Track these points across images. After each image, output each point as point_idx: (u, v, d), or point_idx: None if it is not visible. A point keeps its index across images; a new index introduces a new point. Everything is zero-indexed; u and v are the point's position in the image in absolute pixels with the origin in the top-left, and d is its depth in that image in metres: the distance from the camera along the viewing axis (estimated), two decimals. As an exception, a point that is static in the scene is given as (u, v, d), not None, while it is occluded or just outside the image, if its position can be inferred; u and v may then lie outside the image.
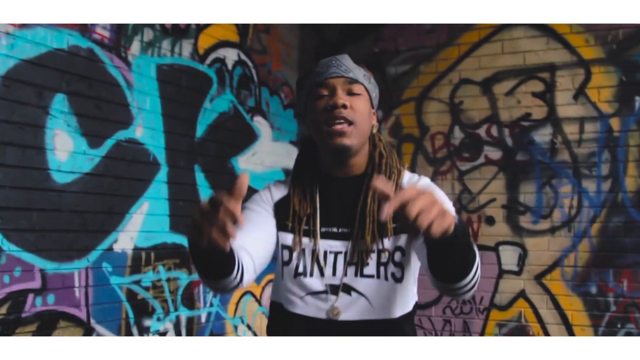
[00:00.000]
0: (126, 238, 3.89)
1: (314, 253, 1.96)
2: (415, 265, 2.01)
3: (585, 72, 4.67)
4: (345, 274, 1.94)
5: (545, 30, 4.78)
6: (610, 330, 4.50)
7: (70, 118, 3.54)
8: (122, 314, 3.87)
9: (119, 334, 3.84)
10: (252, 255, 1.90)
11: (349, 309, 1.94)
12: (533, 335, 4.71)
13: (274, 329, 2.09)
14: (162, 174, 4.14)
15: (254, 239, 1.94)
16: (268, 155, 5.05)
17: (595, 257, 4.58)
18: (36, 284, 3.35)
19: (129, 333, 3.90)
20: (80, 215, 3.60)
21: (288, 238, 2.00)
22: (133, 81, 3.94)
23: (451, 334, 4.91)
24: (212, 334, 4.50)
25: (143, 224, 4.00)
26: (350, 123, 1.90)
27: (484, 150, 4.93)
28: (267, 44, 5.12)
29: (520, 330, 4.76)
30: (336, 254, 1.96)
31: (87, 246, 3.64)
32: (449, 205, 1.90)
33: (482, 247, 4.85)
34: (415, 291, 2.05)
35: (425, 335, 5.01)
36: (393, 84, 5.20)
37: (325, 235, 1.97)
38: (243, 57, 4.85)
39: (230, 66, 4.72)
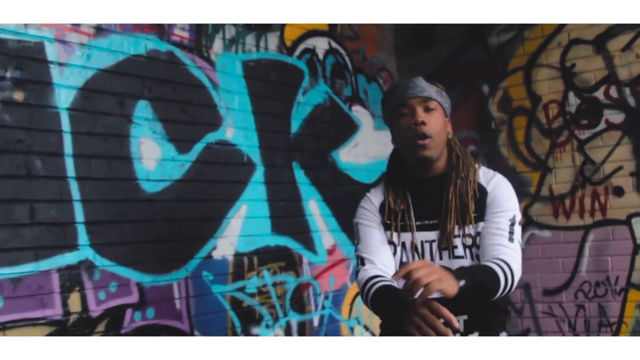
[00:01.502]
0: (226, 244, 3.81)
1: (413, 244, 2.37)
2: None
3: None
4: (440, 258, 2.33)
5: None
6: None
7: (155, 124, 3.48)
8: (227, 324, 3.79)
9: (227, 343, 3.74)
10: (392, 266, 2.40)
11: None
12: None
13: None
14: (259, 174, 4.05)
15: (386, 252, 2.40)
16: (372, 145, 4.86)
17: None
18: (133, 298, 3.32)
19: (240, 341, 3.79)
20: (175, 223, 3.53)
21: (391, 234, 2.40)
22: (218, 81, 3.86)
23: (586, 321, 4.48)
24: (328, 337, 4.34)
25: (242, 228, 3.92)
26: (429, 137, 2.27)
27: (604, 115, 4.48)
28: (358, 29, 4.92)
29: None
30: (431, 242, 2.35)
31: (185, 255, 3.58)
32: (514, 203, 2.35)
33: (612, 222, 4.44)
34: None
35: (557, 322, 4.61)
36: (497, 55, 4.87)
37: (420, 228, 2.37)
38: (334, 45, 4.70)
39: (321, 56, 4.59)
